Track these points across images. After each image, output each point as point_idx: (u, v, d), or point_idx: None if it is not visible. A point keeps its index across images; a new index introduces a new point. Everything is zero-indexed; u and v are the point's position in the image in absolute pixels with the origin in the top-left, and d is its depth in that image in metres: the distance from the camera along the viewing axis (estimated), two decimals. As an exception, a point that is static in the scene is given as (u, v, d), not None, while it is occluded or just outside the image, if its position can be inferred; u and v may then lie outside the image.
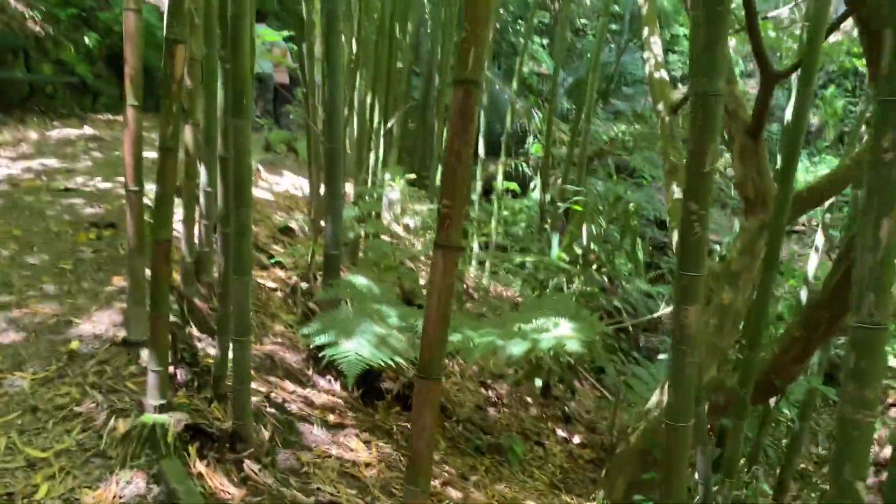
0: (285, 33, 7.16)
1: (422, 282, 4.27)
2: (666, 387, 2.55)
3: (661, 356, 4.42)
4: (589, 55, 8.88)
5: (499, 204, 6.67)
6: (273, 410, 2.50)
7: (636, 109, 10.41)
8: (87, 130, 6.80)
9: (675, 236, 3.44)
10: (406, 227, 6.00)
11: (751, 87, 10.63)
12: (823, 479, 4.29)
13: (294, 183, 6.16)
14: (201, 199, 3.05)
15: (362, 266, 4.16)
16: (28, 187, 4.27)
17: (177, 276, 2.98)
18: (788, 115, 3.95)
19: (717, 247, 6.60)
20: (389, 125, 5.31)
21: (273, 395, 2.69)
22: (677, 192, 3.78)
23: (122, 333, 2.49)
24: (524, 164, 9.43)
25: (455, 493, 2.67)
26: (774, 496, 3.76)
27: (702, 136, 1.30)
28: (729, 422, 2.70)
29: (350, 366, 2.53)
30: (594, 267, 4.58)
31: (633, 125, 8.63)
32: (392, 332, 2.82)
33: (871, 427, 1.13)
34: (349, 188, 5.15)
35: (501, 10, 11.25)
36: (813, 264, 4.08)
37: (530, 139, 10.03)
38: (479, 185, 6.50)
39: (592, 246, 4.64)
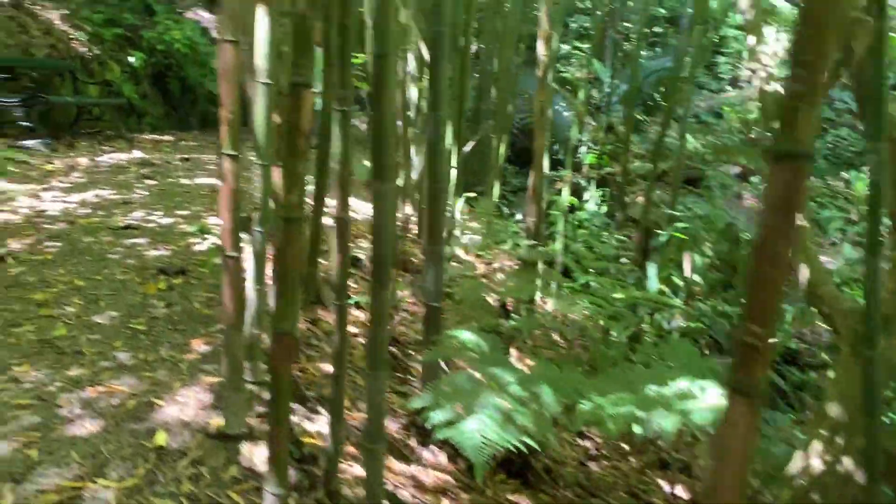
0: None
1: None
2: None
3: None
4: (646, 60, 8.35)
5: (566, 221, 6.23)
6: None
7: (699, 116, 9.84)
8: (136, 154, 6.54)
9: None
10: (465, 248, 5.62)
11: None
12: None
13: (354, 207, 5.80)
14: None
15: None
16: (86, 225, 3.96)
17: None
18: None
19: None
20: (465, 150, 4.88)
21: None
22: None
23: (213, 419, 2.12)
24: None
25: None
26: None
27: None
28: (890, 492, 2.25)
29: (477, 453, 2.13)
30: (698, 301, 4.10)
31: (706, 136, 8.07)
32: (517, 405, 2.42)
33: None
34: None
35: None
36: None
37: (583, 150, 9.58)
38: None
39: (695, 277, 4.16)
